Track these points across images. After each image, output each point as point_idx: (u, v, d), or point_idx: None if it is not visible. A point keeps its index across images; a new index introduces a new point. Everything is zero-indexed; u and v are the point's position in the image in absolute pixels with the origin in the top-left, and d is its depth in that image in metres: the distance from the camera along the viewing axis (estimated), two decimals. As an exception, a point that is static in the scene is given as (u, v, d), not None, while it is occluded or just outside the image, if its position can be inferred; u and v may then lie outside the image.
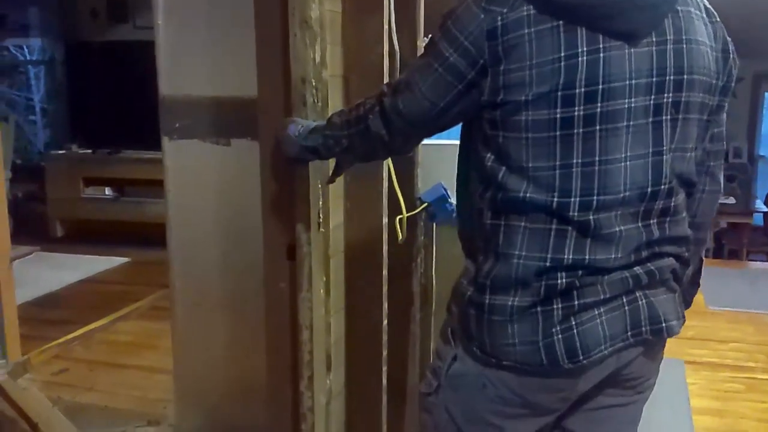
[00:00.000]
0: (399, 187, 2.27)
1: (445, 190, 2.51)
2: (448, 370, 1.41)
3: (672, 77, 1.28)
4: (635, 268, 1.32)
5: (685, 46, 1.30)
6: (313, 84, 1.77)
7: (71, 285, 5.21)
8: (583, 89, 1.22)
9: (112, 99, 6.18)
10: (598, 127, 1.24)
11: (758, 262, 6.73)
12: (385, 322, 2.34)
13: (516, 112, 1.24)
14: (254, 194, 1.92)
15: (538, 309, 1.29)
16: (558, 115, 1.23)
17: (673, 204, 1.35)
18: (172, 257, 2.37)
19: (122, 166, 6.17)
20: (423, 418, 1.52)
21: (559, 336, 1.28)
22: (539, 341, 1.28)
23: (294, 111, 1.77)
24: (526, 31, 1.21)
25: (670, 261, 1.37)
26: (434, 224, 2.63)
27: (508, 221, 1.31)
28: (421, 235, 2.53)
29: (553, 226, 1.28)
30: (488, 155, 1.31)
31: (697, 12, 1.34)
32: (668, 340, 1.43)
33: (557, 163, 1.25)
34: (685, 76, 1.30)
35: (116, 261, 5.73)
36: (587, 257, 1.28)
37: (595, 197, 1.27)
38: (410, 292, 2.52)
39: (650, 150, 1.29)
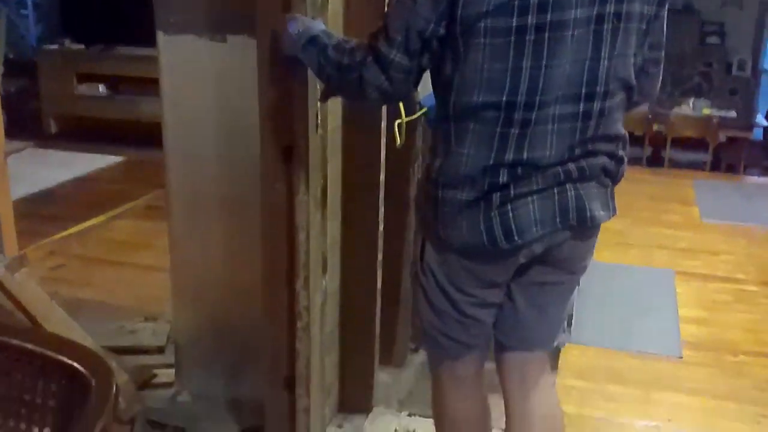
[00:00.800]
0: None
1: (446, 94, 2.47)
2: (422, 252, 1.65)
3: None
4: (568, 165, 1.48)
5: None
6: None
7: (66, 182, 5.20)
8: (536, 0, 1.35)
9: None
10: (547, 35, 1.37)
11: (755, 177, 6.73)
12: (381, 227, 2.34)
13: (477, 20, 1.36)
14: (251, 93, 1.88)
15: (481, 201, 1.47)
16: (514, 23, 1.36)
17: (608, 105, 1.49)
18: (167, 157, 2.34)
19: (116, 62, 6.06)
20: (415, 289, 1.75)
21: (497, 219, 1.47)
22: (481, 225, 1.47)
23: (292, 7, 1.72)
24: None
25: (603, 159, 1.53)
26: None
27: (459, 123, 1.46)
28: (419, 140, 2.51)
29: (498, 129, 1.43)
30: (447, 65, 1.44)
31: None
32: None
33: (509, 65, 1.38)
34: None
35: (111, 159, 5.70)
36: (525, 156, 1.44)
37: (537, 96, 1.40)
38: (407, 197, 2.52)
39: (588, 56, 1.42)
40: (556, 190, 1.48)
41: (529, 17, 1.35)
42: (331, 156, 2.10)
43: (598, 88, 1.45)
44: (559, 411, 1.77)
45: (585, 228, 1.55)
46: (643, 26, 1.50)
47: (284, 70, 1.77)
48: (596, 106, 1.46)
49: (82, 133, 6.22)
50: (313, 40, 1.58)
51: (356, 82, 1.49)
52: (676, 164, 7.01)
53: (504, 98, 1.40)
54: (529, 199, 1.47)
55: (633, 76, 1.52)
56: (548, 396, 1.75)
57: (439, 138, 1.52)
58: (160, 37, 2.23)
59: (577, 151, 1.48)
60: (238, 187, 2.26)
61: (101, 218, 4.44)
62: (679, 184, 5.92)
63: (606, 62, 1.44)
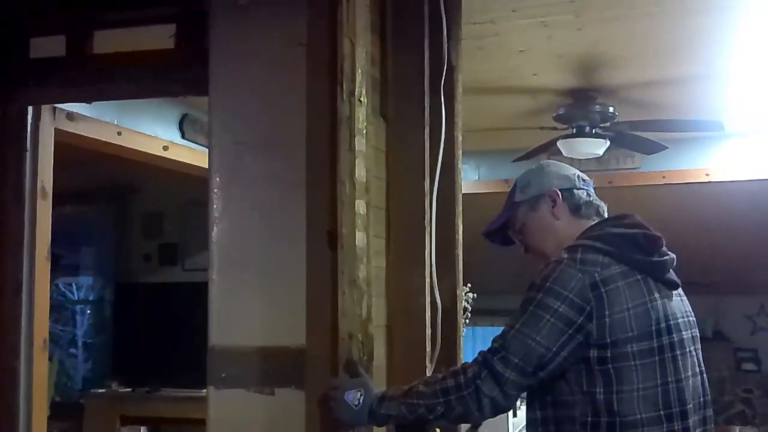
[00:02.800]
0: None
1: None
2: None
3: (690, 318, 1.78)
4: None
5: (684, 297, 1.81)
6: (360, 339, 1.84)
7: None
8: (664, 324, 1.65)
9: (156, 337, 6.30)
10: (678, 352, 1.66)
11: None
12: None
13: (624, 345, 1.60)
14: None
15: None
16: (655, 344, 1.63)
17: (710, 415, 1.77)
18: None
19: (160, 404, 6.15)
20: None
21: None
22: None
23: (340, 364, 1.83)
24: (620, 283, 1.64)
25: None
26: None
27: None
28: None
29: None
30: (598, 389, 1.61)
31: None
32: None
33: (658, 381, 1.62)
34: (692, 318, 1.79)
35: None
36: None
37: (687, 406, 1.64)
38: None
39: (697, 370, 1.73)
40: None
41: (665, 338, 1.64)
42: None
43: (707, 398, 1.75)
44: None
45: None
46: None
47: (331, 421, 1.83)
48: (708, 413, 1.75)
49: (119, 477, 6.13)
50: (387, 399, 1.70)
51: (474, 396, 1.61)
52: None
53: (662, 412, 1.61)
54: None
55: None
56: None
57: None
58: (211, 391, 2.33)
59: None
60: None
61: None
62: None
63: (702, 377, 1.75)
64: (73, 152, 3.53)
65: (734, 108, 4.48)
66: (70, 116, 3.26)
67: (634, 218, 1.82)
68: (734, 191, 5.33)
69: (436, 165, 2.32)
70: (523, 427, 3.42)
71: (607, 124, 4.24)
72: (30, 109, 2.96)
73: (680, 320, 1.71)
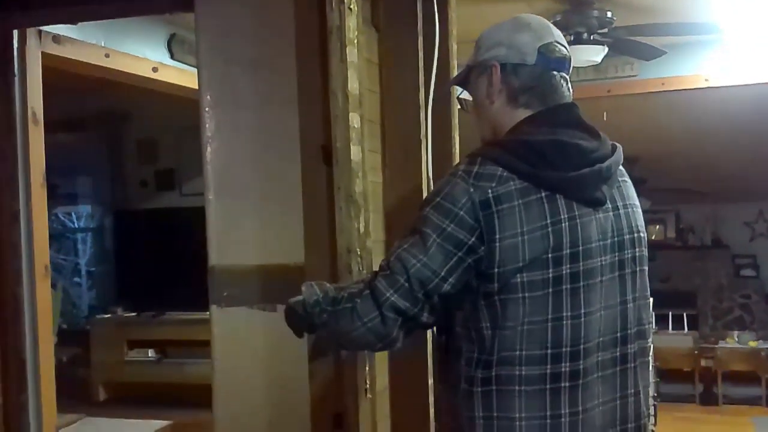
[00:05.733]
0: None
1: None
2: None
3: (626, 236, 1.52)
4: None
5: (630, 210, 1.56)
6: (358, 253, 1.84)
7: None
8: (568, 251, 1.42)
9: (157, 263, 6.35)
10: (581, 283, 1.44)
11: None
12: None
13: (513, 275, 1.41)
14: (301, 361, 1.95)
15: None
16: (550, 275, 1.41)
17: (641, 347, 1.54)
18: (217, 424, 2.37)
19: (166, 327, 6.24)
20: None
21: None
22: None
23: (340, 278, 1.83)
24: (516, 202, 1.41)
25: (640, 400, 1.54)
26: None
27: (501, 386, 1.43)
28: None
29: (547, 386, 1.42)
30: (483, 325, 1.44)
31: (628, 180, 1.61)
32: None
33: (549, 317, 1.42)
34: (635, 234, 1.55)
35: (158, 425, 5.69)
36: (580, 408, 1.44)
37: (581, 346, 1.43)
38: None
39: (618, 300, 1.50)
40: None
41: (563, 267, 1.42)
42: (380, 419, 2.11)
43: (629, 331, 1.51)
44: None
45: None
46: (645, 268, 1.59)
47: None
48: (631, 348, 1.52)
49: (130, 399, 6.26)
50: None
51: (348, 313, 1.45)
52: (730, 401, 6.79)
53: (549, 351, 1.42)
54: None
55: (652, 318, 1.60)
56: None
57: (474, 405, 1.47)
58: (214, 310, 2.35)
59: (621, 397, 1.51)
60: (289, 455, 2.26)
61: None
62: (736, 423, 5.70)
63: (631, 305, 1.52)
64: (62, 78, 3.47)
65: (732, 11, 4.39)
66: (57, 39, 3.19)
67: (566, 115, 1.53)
68: (734, 96, 5.27)
69: (431, 76, 2.27)
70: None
71: (605, 30, 4.16)
72: (15, 32, 2.89)
73: (597, 244, 1.45)
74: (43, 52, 3.04)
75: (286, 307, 1.66)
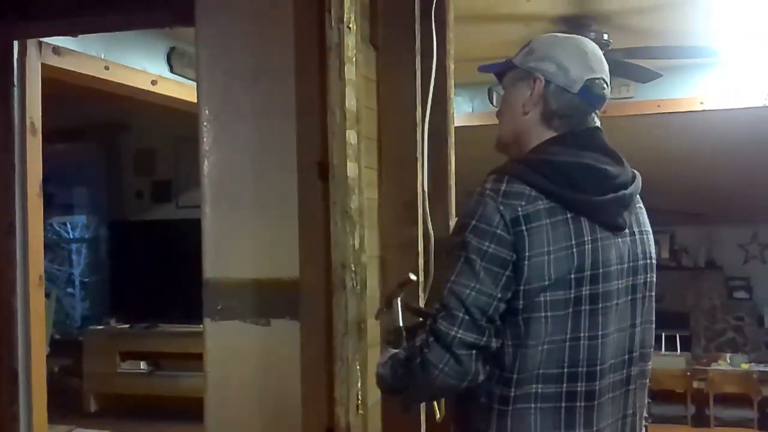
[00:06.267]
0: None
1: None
2: None
3: (640, 262, 1.55)
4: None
5: (645, 236, 1.58)
6: (353, 268, 1.85)
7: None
8: (589, 272, 1.45)
9: (152, 275, 6.34)
10: (600, 305, 1.46)
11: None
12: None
13: (538, 293, 1.42)
14: (293, 374, 1.96)
15: None
16: (572, 295, 1.43)
17: (641, 369, 1.57)
18: (209, 437, 2.37)
19: (159, 339, 6.23)
20: None
21: None
22: None
23: (334, 293, 1.84)
24: (544, 221, 1.43)
25: (636, 421, 1.57)
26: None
27: (517, 404, 1.45)
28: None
29: (563, 404, 1.44)
30: (505, 341, 1.45)
31: (643, 207, 1.63)
32: None
33: (567, 336, 1.44)
34: (648, 261, 1.57)
35: (149, 438, 5.67)
36: (594, 428, 1.47)
37: (597, 367, 1.46)
38: (449, 472, 2.48)
39: (629, 323, 1.53)
40: None
41: (584, 288, 1.44)
42: (371, 434, 2.12)
43: (634, 354, 1.54)
44: None
45: None
46: (653, 293, 1.60)
47: (325, 350, 1.85)
48: (634, 371, 1.54)
49: (121, 411, 6.23)
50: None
51: (420, 368, 1.45)
52: (722, 423, 6.78)
53: (566, 370, 1.44)
54: None
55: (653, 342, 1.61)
56: None
57: (491, 421, 1.48)
58: (207, 323, 2.35)
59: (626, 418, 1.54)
60: (280, 469, 2.25)
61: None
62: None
63: (639, 329, 1.55)
64: (61, 88, 3.48)
65: (728, 34, 4.43)
66: (57, 50, 3.21)
67: (591, 138, 1.54)
68: (729, 120, 5.31)
69: (428, 94, 2.29)
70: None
71: (602, 51, 4.19)
72: (15, 43, 2.91)
73: (615, 268, 1.48)
74: (43, 64, 3.06)
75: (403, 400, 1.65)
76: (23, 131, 2.95)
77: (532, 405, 1.44)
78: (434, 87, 2.30)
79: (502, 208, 1.43)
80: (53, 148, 3.65)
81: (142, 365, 6.35)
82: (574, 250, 1.43)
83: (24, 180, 2.97)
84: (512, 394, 1.45)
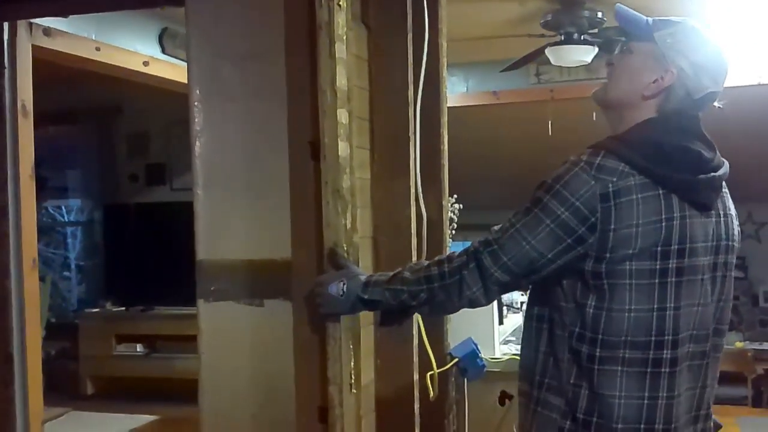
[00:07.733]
0: (429, 343, 2.30)
1: (476, 345, 2.53)
2: None
3: (723, 242, 1.64)
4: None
5: (729, 219, 1.68)
6: (345, 249, 1.85)
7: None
8: (676, 246, 1.53)
9: (147, 257, 6.34)
10: (685, 278, 1.55)
11: (800, 410, 6.50)
12: (419, 482, 2.31)
13: (622, 262, 1.51)
14: (286, 354, 1.96)
15: None
16: (657, 267, 1.52)
17: (716, 343, 1.66)
18: (203, 418, 2.38)
19: (154, 322, 6.24)
20: None
21: None
22: None
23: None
24: (635, 196, 1.51)
25: (710, 392, 1.68)
26: (465, 380, 2.63)
27: (603, 366, 1.54)
28: (452, 391, 2.53)
29: (648, 370, 1.54)
30: (589, 302, 1.55)
31: (728, 192, 1.72)
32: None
33: (654, 305, 1.53)
34: (729, 242, 1.66)
35: (145, 419, 5.69)
36: (675, 392, 1.56)
37: (680, 335, 1.55)
38: (443, 450, 2.50)
39: (710, 299, 1.61)
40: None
41: (670, 261, 1.53)
42: (365, 413, 2.12)
43: (715, 327, 1.64)
44: None
45: None
46: (732, 274, 1.70)
47: (318, 331, 1.86)
48: (711, 344, 1.64)
49: (118, 393, 6.25)
50: (372, 284, 1.69)
51: (456, 286, 1.58)
52: (716, 400, 6.80)
53: (653, 338, 1.53)
54: None
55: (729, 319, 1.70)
56: None
57: (579, 375, 1.57)
58: (201, 304, 2.35)
59: (699, 391, 1.63)
60: (274, 449, 2.26)
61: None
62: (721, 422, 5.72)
63: (719, 304, 1.65)
64: (53, 71, 3.47)
65: (724, 13, 4.41)
66: (47, 32, 3.19)
67: (690, 123, 1.63)
68: (723, 98, 5.29)
69: (420, 73, 2.28)
70: (509, 333, 3.48)
71: (596, 30, 4.17)
72: (5, 25, 2.89)
73: (701, 245, 1.56)
74: (33, 45, 3.04)
75: (326, 296, 1.74)
76: (14, 113, 2.94)
77: (619, 368, 1.54)
78: (426, 66, 2.29)
79: (593, 182, 1.51)
80: (47, 132, 3.64)
81: (138, 348, 6.36)
82: (663, 224, 1.52)
83: (16, 162, 2.96)
84: (598, 354, 1.54)
